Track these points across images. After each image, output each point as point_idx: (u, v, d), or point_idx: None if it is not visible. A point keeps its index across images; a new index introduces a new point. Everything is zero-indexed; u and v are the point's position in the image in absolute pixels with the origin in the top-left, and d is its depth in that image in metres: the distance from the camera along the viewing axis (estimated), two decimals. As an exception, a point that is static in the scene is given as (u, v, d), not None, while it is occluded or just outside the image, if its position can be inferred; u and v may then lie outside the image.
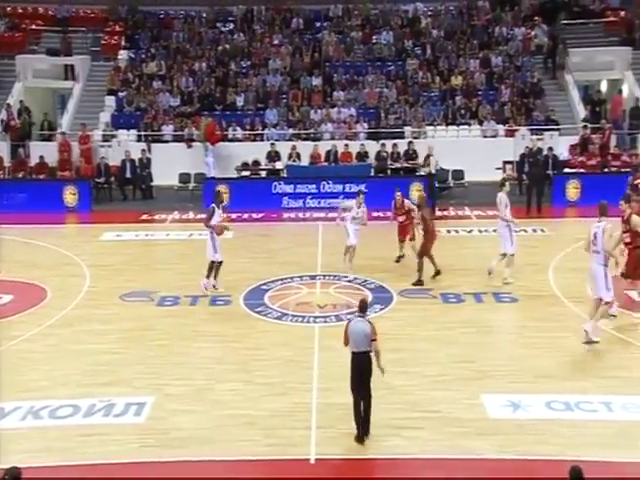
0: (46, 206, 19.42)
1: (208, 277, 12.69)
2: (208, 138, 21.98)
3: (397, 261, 14.32)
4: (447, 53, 25.24)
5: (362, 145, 21.96)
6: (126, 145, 22.18)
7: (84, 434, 8.29)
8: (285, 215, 18.95)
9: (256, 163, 21.77)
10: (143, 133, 23.05)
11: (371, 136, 22.74)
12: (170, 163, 21.36)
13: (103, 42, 26.02)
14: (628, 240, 10.94)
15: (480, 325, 11.30)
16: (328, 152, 21.73)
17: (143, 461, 7.79)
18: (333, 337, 10.54)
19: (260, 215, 17.61)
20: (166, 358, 10.30)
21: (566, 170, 20.44)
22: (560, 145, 21.48)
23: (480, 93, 24.00)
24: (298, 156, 21.64)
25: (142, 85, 24.58)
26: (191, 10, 27.26)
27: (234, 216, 17.31)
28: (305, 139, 22.84)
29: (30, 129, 23.19)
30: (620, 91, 23.71)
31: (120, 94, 24.22)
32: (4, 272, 13.79)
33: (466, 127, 23.00)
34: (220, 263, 12.72)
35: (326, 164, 21.61)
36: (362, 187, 17.71)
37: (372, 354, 7.85)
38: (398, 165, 21.51)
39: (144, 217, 18.95)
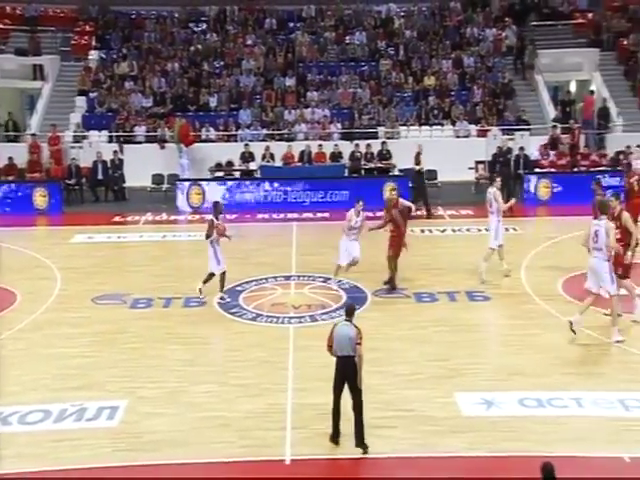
0: (15, 208, 19.18)
1: (205, 283, 12.39)
2: (182, 140, 21.81)
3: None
4: (420, 54, 25.39)
5: (336, 145, 22.00)
6: (97, 146, 21.97)
7: (55, 439, 8.17)
8: (259, 216, 18.90)
9: (230, 164, 21.69)
10: (115, 134, 22.84)
11: (345, 136, 22.79)
12: (143, 164, 21.19)
13: (73, 42, 25.73)
14: (619, 237, 11.05)
15: (453, 324, 11.37)
16: (302, 152, 21.73)
17: (116, 465, 7.69)
18: (308, 337, 10.59)
19: (234, 216, 17.52)
20: (139, 361, 10.20)
21: (537, 170, 20.69)
22: (531, 145, 21.72)
23: (453, 93, 24.18)
24: (272, 157, 21.61)
25: (114, 86, 24.36)
26: (163, 10, 27.09)
27: (208, 217, 17.13)
28: (279, 140, 22.82)
29: (-4, 130, 22.91)
30: (592, 92, 24.04)
31: (91, 95, 23.98)
32: (-27, 276, 13.57)
33: (439, 127, 23.16)
34: (224, 273, 12.38)
35: (300, 164, 21.62)
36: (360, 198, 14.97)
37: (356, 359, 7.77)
38: (372, 165, 21.59)
39: (116, 219, 18.78)
